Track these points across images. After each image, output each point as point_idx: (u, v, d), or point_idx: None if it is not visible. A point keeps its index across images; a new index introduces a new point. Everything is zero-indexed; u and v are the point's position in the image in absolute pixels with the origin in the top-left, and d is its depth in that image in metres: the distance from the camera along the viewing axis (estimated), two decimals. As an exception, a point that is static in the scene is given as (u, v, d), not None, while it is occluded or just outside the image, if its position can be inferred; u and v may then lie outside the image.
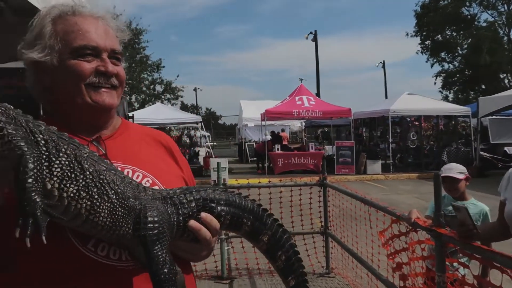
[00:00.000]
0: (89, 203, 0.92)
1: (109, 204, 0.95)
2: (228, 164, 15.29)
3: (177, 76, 63.94)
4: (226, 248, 5.37)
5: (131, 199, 1.00)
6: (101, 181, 0.95)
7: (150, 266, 0.95)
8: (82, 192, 0.91)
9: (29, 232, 0.80)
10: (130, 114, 9.32)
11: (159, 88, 35.77)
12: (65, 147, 0.93)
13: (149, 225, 0.97)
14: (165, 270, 0.94)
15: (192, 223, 1.07)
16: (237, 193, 1.22)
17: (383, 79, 37.81)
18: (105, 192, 0.95)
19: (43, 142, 0.89)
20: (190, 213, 1.09)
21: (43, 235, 0.81)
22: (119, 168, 1.09)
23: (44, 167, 0.87)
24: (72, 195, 0.90)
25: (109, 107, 1.15)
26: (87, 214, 0.92)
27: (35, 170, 0.83)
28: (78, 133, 1.13)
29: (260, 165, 18.69)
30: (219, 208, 1.14)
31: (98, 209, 0.93)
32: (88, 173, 0.94)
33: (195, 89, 47.92)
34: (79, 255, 0.99)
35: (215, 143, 36.41)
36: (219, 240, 5.18)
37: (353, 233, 5.05)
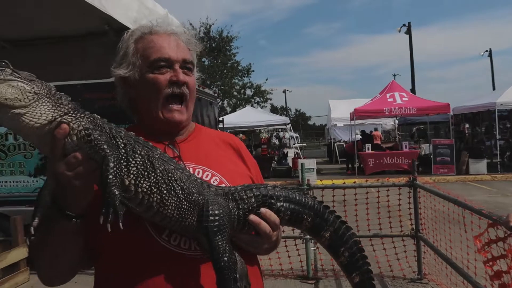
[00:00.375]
0: (159, 197, 1.07)
1: (175, 199, 1.09)
2: (316, 165, 15.26)
3: (266, 80, 65.48)
4: (312, 248, 5.40)
5: (195, 195, 1.12)
6: (170, 178, 1.09)
7: (212, 254, 1.06)
8: (153, 188, 1.06)
9: (110, 219, 0.95)
10: (220, 119, 9.81)
11: (249, 92, 36.89)
12: (140, 149, 1.08)
13: (210, 218, 1.08)
14: (225, 258, 1.05)
15: (252, 217, 1.17)
16: (298, 190, 1.28)
17: (488, 70, 34.08)
18: (172, 188, 1.09)
19: (122, 145, 1.06)
20: (250, 208, 1.18)
21: (120, 222, 0.96)
22: (191, 169, 1.24)
23: (123, 166, 1.03)
24: (145, 190, 1.05)
25: (179, 123, 1.30)
26: (158, 207, 1.07)
27: (114, 168, 0.99)
28: (157, 138, 1.30)
29: (350, 165, 18.23)
30: (278, 204, 1.22)
31: (166, 203, 1.07)
32: (158, 171, 1.08)
33: (284, 91, 48.37)
34: (155, 244, 1.14)
35: (304, 144, 36.35)
36: (303, 240, 5.24)
37: (446, 237, 4.73)
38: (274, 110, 59.31)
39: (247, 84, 36.34)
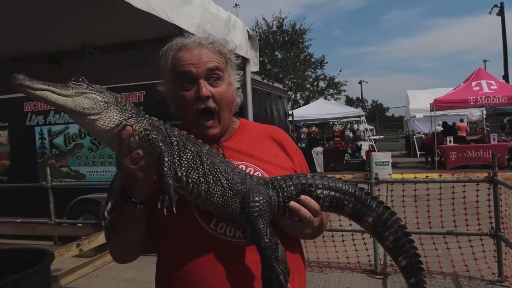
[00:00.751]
0: (206, 186, 1.22)
1: (221, 188, 1.23)
2: (392, 158, 14.59)
3: (340, 71, 63.70)
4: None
5: (238, 184, 1.26)
6: (215, 171, 1.24)
7: (254, 236, 1.19)
8: (201, 178, 1.22)
9: (165, 204, 1.12)
10: (290, 112, 9.91)
11: (322, 84, 36.37)
12: (190, 145, 1.24)
13: (251, 204, 1.21)
14: (266, 240, 1.17)
15: (292, 203, 1.27)
16: (338, 178, 1.36)
17: None
18: (218, 179, 1.23)
19: (175, 142, 1.22)
20: (289, 195, 1.28)
21: (174, 207, 1.12)
22: (235, 164, 1.35)
23: (176, 160, 1.20)
24: (195, 180, 1.21)
25: (213, 137, 1.40)
26: (205, 195, 1.22)
27: (169, 162, 1.16)
28: (203, 139, 1.40)
29: (429, 159, 17.20)
30: (317, 191, 1.31)
31: (213, 191, 1.22)
32: (206, 164, 1.23)
33: (360, 82, 46.91)
34: (204, 232, 1.30)
35: (381, 136, 34.95)
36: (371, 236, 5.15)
37: (531, 238, 4.35)
38: (349, 101, 57.71)
39: (320, 76, 35.83)
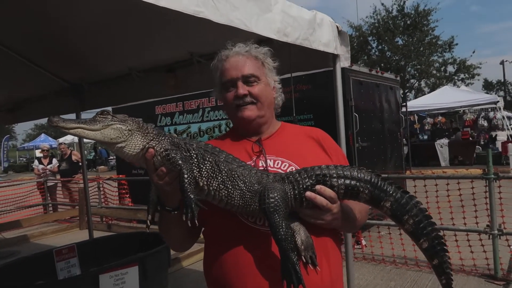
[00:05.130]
0: (226, 192, 1.37)
1: (239, 191, 1.37)
2: (534, 151, 12.57)
3: (473, 52, 56.36)
4: (503, 245, 4.76)
5: (255, 185, 1.38)
6: (233, 176, 1.38)
7: (271, 229, 1.32)
8: (221, 185, 1.36)
9: (189, 217, 1.26)
10: (404, 103, 9.35)
11: (451, 68, 32.91)
12: (208, 156, 1.38)
13: (266, 200, 1.32)
14: (282, 232, 1.29)
15: (308, 193, 1.39)
16: (353, 167, 1.42)
17: None
18: (236, 183, 1.37)
19: (195, 155, 1.37)
20: (304, 186, 1.39)
21: (195, 220, 1.27)
22: (272, 160, 1.53)
23: (196, 172, 1.35)
24: (215, 187, 1.36)
25: (249, 117, 1.58)
26: (226, 199, 1.37)
27: (188, 178, 1.29)
28: (247, 137, 1.64)
29: None
30: (332, 180, 1.40)
31: (232, 195, 1.37)
32: (224, 172, 1.37)
33: (502, 62, 40.91)
34: (239, 221, 1.47)
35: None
36: (490, 236, 4.67)
37: None
38: (488, 85, 50.94)
39: (449, 60, 32.44)
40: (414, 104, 17.61)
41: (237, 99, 1.58)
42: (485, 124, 18.77)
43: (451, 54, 32.29)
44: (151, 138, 1.36)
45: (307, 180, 1.39)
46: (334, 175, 1.40)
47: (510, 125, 17.45)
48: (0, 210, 10.28)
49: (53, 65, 4.69)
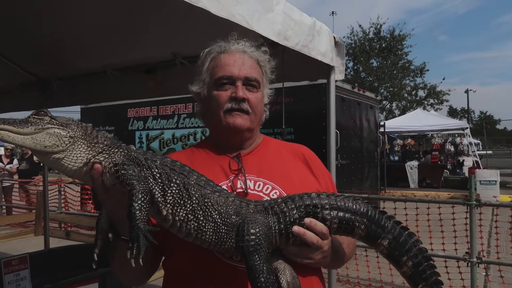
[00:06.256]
0: (196, 224, 1.09)
1: (213, 224, 1.10)
2: (500, 177, 13.02)
3: (443, 79, 59.02)
4: (480, 273, 4.69)
5: (233, 216, 1.12)
6: (206, 204, 1.11)
7: (249, 274, 1.05)
8: (189, 215, 1.09)
9: (134, 254, 0.99)
10: (382, 123, 9.39)
11: (421, 93, 34.06)
12: (175, 177, 1.11)
13: (245, 237, 1.07)
14: (262, 279, 1.03)
15: (296, 228, 1.14)
16: (347, 196, 1.20)
17: None
18: (209, 214, 1.10)
19: (158, 175, 1.10)
20: (292, 219, 1.15)
21: (140, 258, 0.99)
22: (252, 181, 1.27)
23: (159, 196, 1.07)
24: (182, 218, 1.09)
25: (240, 128, 1.31)
26: (195, 233, 1.10)
27: (139, 202, 1.01)
28: (224, 151, 1.36)
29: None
30: (324, 212, 1.17)
31: (204, 229, 1.10)
32: (194, 198, 1.10)
33: (466, 91, 42.79)
34: (212, 255, 1.19)
35: (490, 152, 31.50)
36: (468, 264, 4.59)
37: None
38: (452, 112, 53.12)
39: (420, 84, 33.60)
40: (387, 125, 17.92)
41: (232, 101, 1.32)
42: (452, 149, 19.30)
43: (422, 79, 33.47)
44: (100, 150, 1.10)
45: (295, 211, 1.16)
46: (327, 206, 1.18)
47: (473, 151, 18.08)
48: None
49: (18, 56, 4.27)
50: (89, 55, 3.92)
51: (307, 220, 1.16)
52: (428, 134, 21.65)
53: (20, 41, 3.82)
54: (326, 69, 3.11)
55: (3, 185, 10.69)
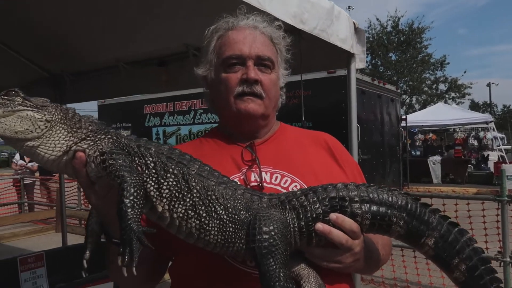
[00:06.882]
0: (197, 222, 0.93)
1: (218, 222, 0.93)
2: (528, 173, 12.55)
3: (464, 72, 57.29)
4: (512, 273, 4.43)
5: (242, 212, 0.95)
6: (209, 198, 0.94)
7: (262, 281, 0.88)
8: (190, 212, 0.93)
9: (126, 261, 0.83)
10: (403, 116, 9.10)
11: (442, 87, 33.24)
12: (173, 167, 0.95)
13: (258, 237, 0.90)
14: (278, 285, 0.86)
15: (319, 226, 0.96)
16: (381, 187, 1.01)
17: None
18: (213, 209, 0.93)
19: (152, 164, 0.94)
20: (314, 215, 0.97)
21: (134, 266, 0.83)
22: (268, 173, 1.10)
23: (153, 190, 0.92)
24: (181, 215, 0.92)
25: (252, 114, 1.15)
26: (197, 233, 0.93)
27: (132, 197, 0.85)
28: (236, 140, 1.21)
29: None
30: (353, 206, 0.98)
31: (207, 227, 0.93)
32: (195, 191, 0.94)
33: (488, 85, 41.59)
34: (222, 259, 1.03)
35: (514, 147, 30.55)
36: (501, 264, 4.33)
37: None
38: (474, 106, 51.73)
39: (441, 78, 32.75)
40: (408, 119, 17.52)
41: (243, 84, 1.16)
42: (475, 143, 18.73)
43: (443, 73, 32.64)
44: (83, 137, 0.95)
45: (318, 205, 0.98)
46: (356, 199, 0.99)
47: (498, 145, 17.46)
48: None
49: (30, 51, 4.23)
50: (101, 49, 3.86)
51: (333, 215, 0.98)
52: (450, 128, 21.09)
53: (31, 36, 3.77)
54: (346, 57, 2.92)
55: (25, 183, 10.85)
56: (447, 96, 33.06)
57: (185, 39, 3.46)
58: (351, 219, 0.98)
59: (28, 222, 9.62)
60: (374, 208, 0.99)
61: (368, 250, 1.09)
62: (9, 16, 3.38)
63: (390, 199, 1.00)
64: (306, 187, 1.09)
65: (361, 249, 1.03)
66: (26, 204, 10.96)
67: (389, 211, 0.99)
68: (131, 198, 0.86)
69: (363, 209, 0.99)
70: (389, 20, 32.26)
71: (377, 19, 38.35)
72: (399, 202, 0.99)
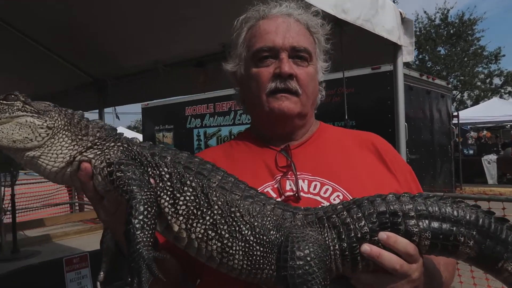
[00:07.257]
0: (219, 244, 0.80)
1: (243, 244, 0.80)
2: None
3: (523, 64, 53.62)
4: None
5: (271, 232, 0.81)
6: (233, 215, 0.81)
7: None
8: (210, 232, 0.80)
9: None
10: (455, 113, 8.56)
11: (497, 81, 31.25)
12: (191, 178, 0.83)
13: (290, 263, 0.75)
14: None
15: (366, 248, 0.80)
16: (445, 198, 0.82)
17: None
18: (237, 229, 0.81)
19: (167, 176, 0.83)
20: (359, 235, 0.80)
21: None
22: (306, 181, 0.95)
23: (168, 206, 0.80)
24: (200, 236, 0.80)
25: (288, 113, 1.02)
26: (220, 257, 0.81)
27: (142, 217, 0.75)
28: (269, 143, 1.08)
29: None
30: (409, 223, 0.80)
31: (230, 251, 0.80)
32: (216, 207, 0.81)
33: (549, 77, 38.53)
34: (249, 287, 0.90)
35: None
36: None
37: None
38: (534, 101, 48.33)
39: (495, 72, 30.78)
40: (459, 116, 16.66)
41: (276, 80, 1.03)
42: (537, 142, 17.36)
43: (498, 66, 30.69)
44: (90, 145, 0.84)
45: (363, 222, 0.82)
46: (412, 213, 0.81)
47: None
48: (25, 207, 10.21)
49: (77, 58, 4.37)
50: (140, 52, 3.92)
51: (383, 234, 0.81)
52: (507, 125, 19.75)
53: (75, 42, 3.88)
54: (392, 50, 2.71)
55: (76, 184, 11.36)
56: (502, 90, 31.05)
57: (222, 38, 3.39)
58: (406, 238, 0.81)
59: (78, 222, 10.04)
60: (435, 224, 0.81)
61: (429, 275, 0.90)
62: (54, 22, 3.48)
63: (455, 213, 0.82)
64: (350, 197, 0.95)
65: (420, 274, 0.85)
66: (76, 204, 11.46)
67: (454, 229, 0.81)
68: (141, 217, 0.75)
69: (421, 226, 0.81)
70: (438, 12, 30.79)
71: (425, 12, 36.79)
72: (467, 217, 0.81)
